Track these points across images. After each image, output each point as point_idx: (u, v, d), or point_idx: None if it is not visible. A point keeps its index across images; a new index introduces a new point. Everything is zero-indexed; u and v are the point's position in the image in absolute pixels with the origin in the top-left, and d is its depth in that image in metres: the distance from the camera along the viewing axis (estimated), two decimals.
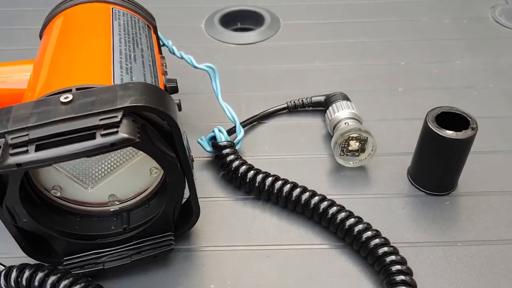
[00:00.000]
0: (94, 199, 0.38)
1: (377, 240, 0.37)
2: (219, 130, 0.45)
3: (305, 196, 0.40)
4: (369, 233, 0.37)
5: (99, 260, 0.36)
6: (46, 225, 0.35)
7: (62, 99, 0.31)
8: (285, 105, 0.52)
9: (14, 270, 0.34)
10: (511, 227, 0.40)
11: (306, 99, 0.51)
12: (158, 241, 0.37)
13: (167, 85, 0.41)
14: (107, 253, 0.37)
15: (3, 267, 0.35)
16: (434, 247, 0.39)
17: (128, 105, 0.30)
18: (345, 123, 0.46)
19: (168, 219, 0.37)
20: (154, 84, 0.37)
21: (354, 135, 0.43)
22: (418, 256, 0.38)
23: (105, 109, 0.30)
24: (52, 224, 0.36)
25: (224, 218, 0.41)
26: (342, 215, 0.38)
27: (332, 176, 0.45)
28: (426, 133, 0.40)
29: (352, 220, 0.38)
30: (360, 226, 0.38)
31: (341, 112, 0.47)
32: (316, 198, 0.40)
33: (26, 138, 0.29)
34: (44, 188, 0.36)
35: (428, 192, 0.43)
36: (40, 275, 0.33)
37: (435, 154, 0.41)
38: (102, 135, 0.29)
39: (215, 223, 0.41)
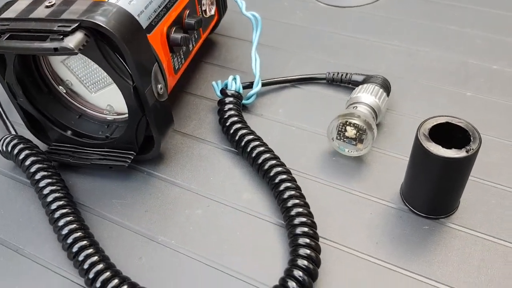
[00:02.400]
0: (95, 103, 0.42)
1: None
2: (234, 79, 0.45)
3: (263, 158, 0.39)
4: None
5: (75, 154, 0.41)
6: (47, 111, 0.41)
7: (47, 2, 0.35)
8: (324, 75, 0.48)
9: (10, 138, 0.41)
10: None
11: (347, 75, 0.47)
12: (119, 156, 0.40)
13: (187, 20, 0.43)
14: (83, 151, 0.41)
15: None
16: (374, 264, 0.34)
17: (84, 19, 0.33)
18: (354, 107, 0.41)
19: (131, 139, 0.39)
20: (155, 14, 0.39)
21: (353, 121, 0.39)
22: (349, 265, 0.34)
23: (66, 18, 0.33)
24: (54, 113, 0.42)
25: (197, 160, 0.42)
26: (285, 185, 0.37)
27: (323, 157, 0.41)
28: (415, 146, 0.34)
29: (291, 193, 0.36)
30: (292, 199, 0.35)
31: (363, 95, 0.42)
32: (273, 164, 0.38)
33: (6, 27, 0.34)
34: (55, 81, 0.42)
35: (414, 211, 0.37)
36: (24, 151, 0.40)
37: (423, 172, 0.35)
38: (51, 40, 0.32)
39: (186, 161, 0.42)
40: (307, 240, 0.33)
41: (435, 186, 0.35)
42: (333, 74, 0.48)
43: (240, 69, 0.51)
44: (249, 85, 0.47)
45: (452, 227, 0.36)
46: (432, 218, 0.37)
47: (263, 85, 0.47)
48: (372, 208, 0.38)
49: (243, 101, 0.46)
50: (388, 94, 0.45)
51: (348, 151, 0.41)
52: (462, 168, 0.33)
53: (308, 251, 0.33)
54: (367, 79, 0.45)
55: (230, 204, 0.39)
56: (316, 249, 0.33)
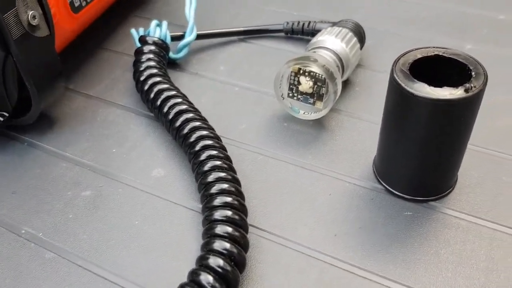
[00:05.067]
0: None
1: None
2: (157, 25, 0.34)
3: (182, 119, 0.28)
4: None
5: None
6: None
7: None
8: (281, 26, 0.38)
9: None
10: None
11: (309, 23, 0.36)
12: None
13: None
14: None
15: None
16: (332, 266, 0.23)
17: None
18: (314, 51, 0.30)
19: (2, 94, 0.28)
20: None
21: (308, 68, 0.28)
22: (295, 267, 0.23)
23: None
24: None
25: (99, 127, 0.31)
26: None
27: (271, 123, 0.30)
28: (390, 89, 0.23)
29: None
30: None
31: (326, 37, 0.31)
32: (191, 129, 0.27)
33: None
34: None
35: (391, 190, 0.26)
36: None
37: (402, 130, 0.23)
38: None
39: (85, 129, 0.31)
40: (228, 230, 0.22)
41: (421, 151, 0.23)
42: (292, 24, 0.37)
43: (179, 22, 0.40)
44: (182, 37, 0.36)
45: (446, 213, 0.25)
46: (418, 201, 0.25)
47: (201, 37, 0.37)
48: (333, 188, 0.26)
49: (172, 55, 0.35)
50: (361, 45, 0.34)
51: (303, 113, 0.30)
52: (459, 119, 0.22)
53: (225, 246, 0.22)
54: (335, 25, 0.34)
55: (132, 183, 0.27)
56: (240, 241, 0.22)
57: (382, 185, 0.26)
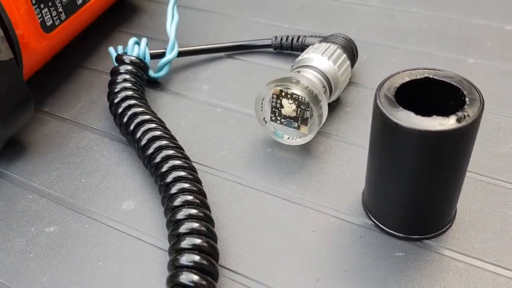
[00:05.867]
0: None
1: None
2: (136, 42, 0.32)
3: (154, 147, 0.25)
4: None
5: None
6: None
7: None
8: (269, 41, 0.35)
9: None
10: None
11: (298, 38, 0.34)
12: None
13: None
14: None
15: None
16: None
17: None
18: (299, 70, 0.28)
19: None
20: None
21: (290, 90, 0.26)
22: None
23: None
24: None
25: (70, 154, 0.29)
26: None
27: (254, 149, 0.28)
28: (375, 118, 0.21)
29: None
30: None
31: (313, 55, 0.28)
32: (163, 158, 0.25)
33: None
34: None
35: (382, 227, 0.23)
36: None
37: (389, 163, 0.21)
38: None
39: (55, 156, 0.28)
40: (194, 278, 0.20)
41: (411, 186, 0.21)
42: (281, 39, 0.35)
43: (165, 38, 0.37)
44: (162, 54, 0.34)
45: (442, 254, 0.22)
46: (411, 239, 0.23)
47: (184, 54, 0.34)
48: (318, 223, 0.24)
49: (152, 74, 0.33)
50: (353, 62, 0.31)
51: (288, 138, 0.27)
52: (452, 151, 0.19)
53: None
54: (324, 40, 0.32)
55: (99, 218, 0.25)
56: None
57: (372, 220, 0.23)
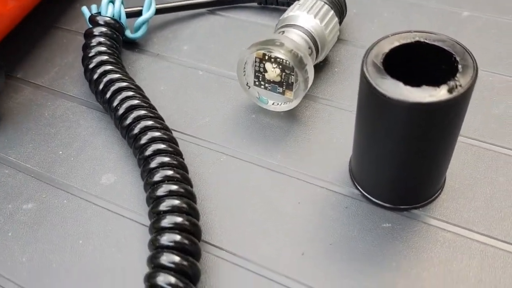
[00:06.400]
0: None
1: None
2: (110, 1, 0.30)
3: (133, 117, 0.24)
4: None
5: None
6: None
7: None
8: None
9: None
10: None
11: None
12: None
13: None
14: None
15: None
16: (281, 285, 0.20)
17: None
18: (283, 30, 0.26)
19: None
20: None
21: (273, 53, 0.24)
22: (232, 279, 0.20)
23: None
24: None
25: (46, 124, 0.27)
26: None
27: (237, 115, 0.27)
28: (362, 87, 0.19)
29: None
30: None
31: (298, 13, 0.27)
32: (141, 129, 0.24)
33: None
34: None
35: (369, 197, 0.23)
36: None
37: (376, 134, 0.20)
38: None
39: (30, 127, 0.27)
40: (175, 259, 0.19)
41: (399, 157, 0.20)
42: None
43: None
44: (139, 13, 0.32)
45: (430, 224, 0.22)
46: (398, 209, 0.22)
47: (162, 11, 0.32)
48: (303, 194, 0.23)
49: (129, 35, 0.31)
50: (341, 18, 0.30)
51: (272, 103, 0.26)
52: (443, 122, 0.18)
53: (170, 280, 0.19)
54: None
55: (78, 193, 0.24)
56: (188, 272, 0.19)
57: (359, 190, 0.23)
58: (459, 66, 0.18)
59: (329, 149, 0.25)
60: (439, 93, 0.17)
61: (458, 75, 0.18)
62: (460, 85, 0.17)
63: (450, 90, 0.17)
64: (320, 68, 0.29)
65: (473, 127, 0.25)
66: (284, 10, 0.32)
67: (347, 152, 0.24)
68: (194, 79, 0.29)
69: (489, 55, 0.29)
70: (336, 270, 0.20)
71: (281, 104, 0.26)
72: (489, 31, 0.30)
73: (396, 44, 0.19)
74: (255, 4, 0.33)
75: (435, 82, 0.18)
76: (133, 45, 0.32)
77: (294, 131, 0.26)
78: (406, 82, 0.18)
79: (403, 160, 0.20)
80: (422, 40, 0.19)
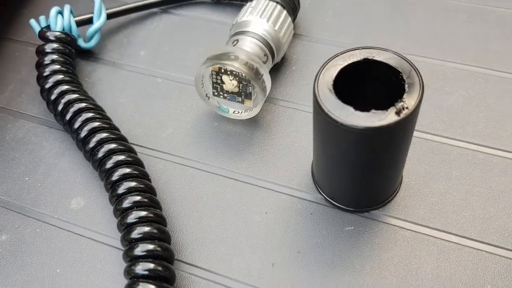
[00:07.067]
0: None
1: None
2: (59, 12, 0.29)
3: (95, 141, 0.24)
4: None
5: None
6: None
7: None
8: None
9: None
10: None
11: None
12: None
13: None
14: None
15: None
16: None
17: None
18: (234, 41, 0.26)
19: None
20: None
21: (228, 67, 0.24)
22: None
23: None
24: None
25: (8, 148, 0.27)
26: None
27: (199, 124, 0.27)
28: (315, 111, 0.20)
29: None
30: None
31: (251, 18, 0.27)
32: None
33: None
34: None
35: (332, 202, 0.24)
36: None
37: (332, 151, 0.20)
38: None
39: None
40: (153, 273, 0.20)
41: (354, 173, 0.21)
42: None
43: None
44: (90, 20, 0.31)
45: (390, 224, 0.23)
46: (360, 211, 0.23)
47: (113, 15, 0.31)
48: (270, 203, 0.24)
49: (83, 45, 0.30)
50: (295, 15, 0.30)
51: (233, 112, 0.27)
52: (393, 141, 0.19)
53: None
54: None
55: (49, 220, 0.25)
56: None
57: (322, 194, 0.24)
58: (406, 86, 0.19)
59: (292, 153, 0.26)
60: (388, 117, 0.18)
61: (405, 95, 0.18)
62: (407, 107, 0.18)
63: (397, 113, 0.18)
64: (277, 68, 0.29)
65: (426, 120, 0.26)
66: (238, 5, 0.32)
67: (309, 155, 0.25)
68: (154, 87, 0.29)
69: (438, 40, 0.29)
70: (304, 278, 0.22)
71: (241, 112, 0.26)
72: (437, 14, 0.31)
73: (344, 64, 0.20)
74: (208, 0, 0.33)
75: (386, 97, 0.19)
76: (87, 53, 0.31)
77: (257, 137, 0.26)
78: (357, 103, 0.19)
79: (359, 176, 0.21)
80: (370, 57, 0.20)
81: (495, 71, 0.28)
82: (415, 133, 0.25)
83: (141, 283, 0.20)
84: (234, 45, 0.25)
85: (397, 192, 0.24)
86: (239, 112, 0.26)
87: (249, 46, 0.25)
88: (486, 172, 0.24)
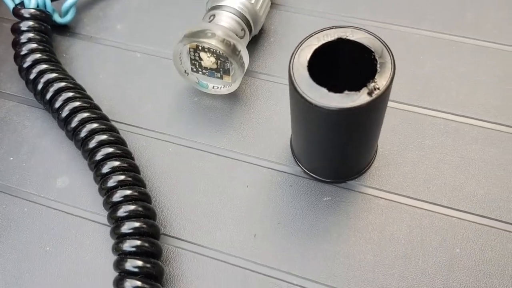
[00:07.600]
0: None
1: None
2: None
3: (77, 120, 0.25)
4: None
5: None
6: None
7: None
8: None
9: None
10: None
11: None
12: None
13: None
14: None
15: None
16: (254, 273, 0.22)
17: None
18: (210, 17, 0.26)
19: None
20: None
21: (205, 45, 0.25)
22: (210, 277, 0.23)
23: None
24: None
25: None
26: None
27: (179, 99, 0.27)
28: (291, 92, 0.20)
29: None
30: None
31: None
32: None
33: None
34: None
35: (310, 174, 0.24)
36: None
37: (309, 129, 0.21)
38: None
39: None
40: (139, 264, 0.21)
41: (330, 149, 0.22)
42: None
43: None
44: None
45: (365, 193, 0.24)
46: (337, 182, 0.24)
47: None
48: (251, 177, 0.25)
49: (59, 20, 0.30)
50: None
51: (213, 87, 0.27)
52: (365, 120, 0.20)
53: (137, 284, 0.21)
54: None
55: (36, 199, 0.25)
56: (152, 273, 0.21)
57: (300, 167, 0.25)
58: (378, 66, 0.19)
59: (271, 127, 0.26)
60: (360, 98, 0.18)
61: (377, 75, 0.19)
62: (378, 88, 0.19)
63: (370, 93, 0.19)
64: (256, 40, 0.29)
65: (401, 90, 0.27)
66: None
67: (288, 128, 0.26)
68: (133, 62, 0.29)
69: (414, 10, 0.30)
70: (285, 247, 0.23)
71: (221, 87, 0.27)
72: None
73: (319, 44, 0.20)
74: None
75: (360, 76, 0.19)
76: (64, 28, 0.31)
77: (237, 111, 0.27)
78: (331, 83, 0.19)
79: (335, 151, 0.22)
80: (343, 37, 0.20)
81: (470, 38, 0.28)
82: (390, 104, 0.26)
83: (128, 280, 0.21)
84: (210, 21, 0.25)
85: (373, 162, 0.25)
86: (218, 87, 0.27)
87: (225, 21, 0.26)
88: (457, 140, 0.25)
